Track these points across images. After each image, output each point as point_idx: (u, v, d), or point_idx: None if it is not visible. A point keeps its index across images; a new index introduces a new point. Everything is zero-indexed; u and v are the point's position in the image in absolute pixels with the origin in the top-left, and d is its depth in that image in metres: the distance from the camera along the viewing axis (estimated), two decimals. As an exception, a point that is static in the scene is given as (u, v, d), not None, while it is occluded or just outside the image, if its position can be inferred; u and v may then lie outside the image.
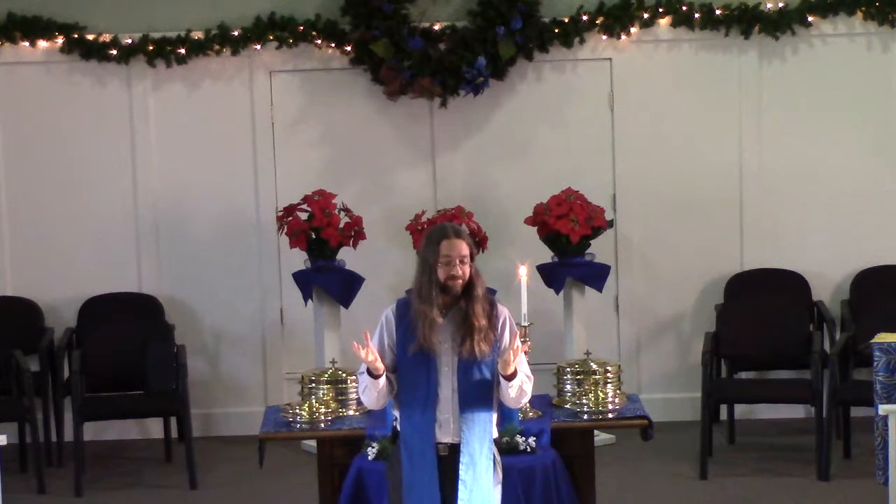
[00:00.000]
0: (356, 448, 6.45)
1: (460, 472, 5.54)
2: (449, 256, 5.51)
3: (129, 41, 9.48)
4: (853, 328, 8.98)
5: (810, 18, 9.49)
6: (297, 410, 6.56)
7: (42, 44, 9.52)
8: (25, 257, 9.64)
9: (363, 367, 5.57)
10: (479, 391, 5.56)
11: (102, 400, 8.92)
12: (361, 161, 9.67)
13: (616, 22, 9.49)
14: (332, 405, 6.67)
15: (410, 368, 5.55)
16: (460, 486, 5.53)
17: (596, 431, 7.29)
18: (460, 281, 5.52)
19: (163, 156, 9.64)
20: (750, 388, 9.19)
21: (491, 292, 5.83)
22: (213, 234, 9.67)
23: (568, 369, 6.87)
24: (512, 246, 9.30)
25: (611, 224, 9.08)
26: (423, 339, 5.50)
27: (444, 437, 5.56)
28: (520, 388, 5.56)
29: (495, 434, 5.67)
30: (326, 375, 6.85)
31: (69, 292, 9.58)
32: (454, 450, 5.56)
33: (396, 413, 5.66)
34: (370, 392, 5.58)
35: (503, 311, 5.64)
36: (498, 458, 5.68)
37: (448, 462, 5.55)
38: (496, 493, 5.65)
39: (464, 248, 5.53)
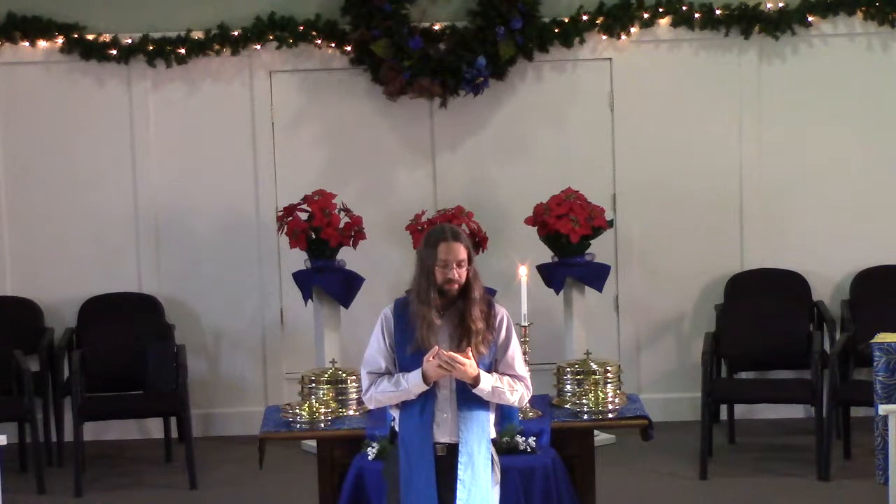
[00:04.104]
0: (356, 448, 6.45)
1: (459, 471, 5.54)
2: (446, 260, 5.50)
3: (129, 41, 9.48)
4: (853, 328, 8.98)
5: (810, 18, 9.48)
6: (297, 410, 6.57)
7: (42, 44, 9.51)
8: (25, 257, 9.64)
9: (399, 377, 5.53)
10: (478, 391, 5.57)
11: (102, 400, 8.92)
12: (361, 161, 9.67)
13: (616, 22, 9.49)
14: (332, 405, 6.67)
15: (409, 368, 5.55)
16: (458, 486, 5.53)
17: (596, 431, 7.29)
18: (456, 285, 5.52)
19: (163, 156, 9.64)
20: (750, 388, 9.18)
21: (490, 292, 5.82)
22: (212, 234, 9.67)
23: (568, 369, 6.87)
24: (512, 246, 9.30)
25: (611, 224, 9.08)
26: (421, 339, 5.50)
27: (442, 436, 5.56)
28: (492, 392, 5.54)
29: (493, 434, 5.67)
30: (326, 375, 6.85)
31: (69, 292, 9.58)
32: (452, 450, 5.56)
33: (394, 413, 5.66)
34: (394, 398, 5.56)
35: (500, 311, 5.64)
36: (496, 458, 5.68)
37: (446, 462, 5.55)
38: (494, 494, 5.65)
39: (461, 252, 5.52)
